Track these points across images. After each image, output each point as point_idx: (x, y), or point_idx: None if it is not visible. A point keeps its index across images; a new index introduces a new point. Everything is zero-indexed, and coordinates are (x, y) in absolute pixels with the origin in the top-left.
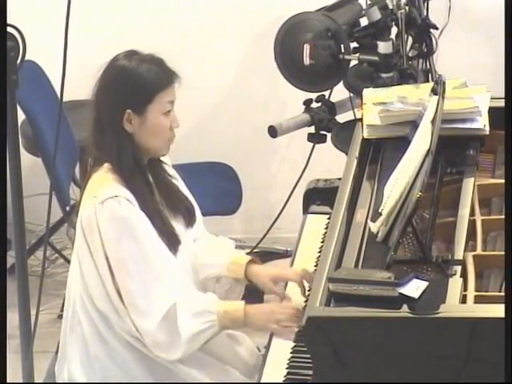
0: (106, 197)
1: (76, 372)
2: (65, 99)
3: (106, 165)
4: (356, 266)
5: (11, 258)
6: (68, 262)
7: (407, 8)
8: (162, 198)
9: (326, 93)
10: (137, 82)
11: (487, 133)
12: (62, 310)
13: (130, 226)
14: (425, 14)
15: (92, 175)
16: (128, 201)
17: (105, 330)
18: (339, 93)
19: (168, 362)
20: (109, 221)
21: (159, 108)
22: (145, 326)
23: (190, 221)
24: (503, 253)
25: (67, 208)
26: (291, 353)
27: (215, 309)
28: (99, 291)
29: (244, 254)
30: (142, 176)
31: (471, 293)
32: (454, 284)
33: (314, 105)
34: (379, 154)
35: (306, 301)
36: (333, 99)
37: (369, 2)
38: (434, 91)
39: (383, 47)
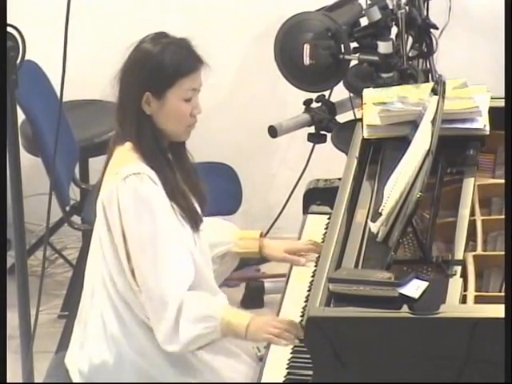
0: (128, 173)
1: (94, 353)
2: (65, 99)
3: (128, 143)
4: (356, 266)
5: (11, 258)
6: (68, 262)
7: (407, 8)
8: (182, 179)
9: (326, 93)
10: (157, 66)
11: (487, 133)
12: (62, 310)
13: (150, 205)
14: (425, 13)
15: (113, 153)
16: (150, 179)
17: (123, 309)
18: (339, 93)
19: None
20: (129, 197)
21: (180, 94)
22: (160, 315)
23: (203, 204)
24: (503, 253)
25: (67, 208)
26: (291, 353)
27: (220, 316)
28: (118, 270)
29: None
30: (163, 155)
31: (471, 293)
32: (454, 284)
33: (314, 105)
34: (379, 154)
35: (306, 301)
36: (333, 99)
37: (369, 2)
38: (434, 91)
39: (383, 47)
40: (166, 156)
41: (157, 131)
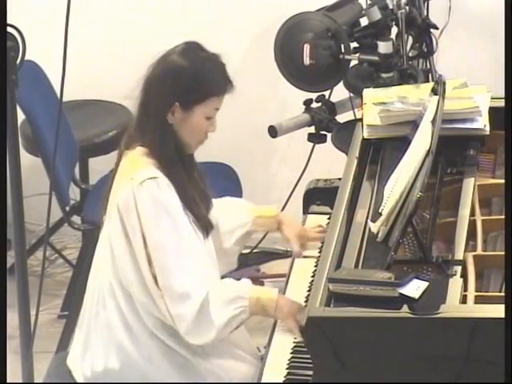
0: (144, 178)
1: (98, 360)
2: (65, 99)
3: (139, 148)
4: (356, 266)
5: (11, 258)
6: (68, 262)
7: (407, 8)
8: (193, 187)
9: (326, 93)
10: (192, 80)
11: (487, 133)
12: (62, 310)
13: (169, 208)
14: (425, 13)
15: (123, 158)
16: (165, 183)
17: (131, 316)
18: (339, 93)
19: (189, 355)
20: (148, 202)
21: (205, 111)
22: (181, 311)
23: (209, 210)
24: (503, 253)
25: (67, 208)
26: (291, 353)
27: (248, 294)
28: (134, 275)
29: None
30: (181, 163)
31: (471, 293)
32: (455, 284)
33: (314, 105)
34: (379, 154)
35: (306, 301)
36: (333, 99)
37: (369, 2)
38: (434, 91)
39: (383, 47)
40: (183, 163)
41: (178, 141)
